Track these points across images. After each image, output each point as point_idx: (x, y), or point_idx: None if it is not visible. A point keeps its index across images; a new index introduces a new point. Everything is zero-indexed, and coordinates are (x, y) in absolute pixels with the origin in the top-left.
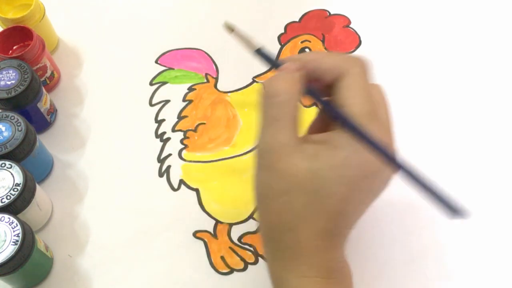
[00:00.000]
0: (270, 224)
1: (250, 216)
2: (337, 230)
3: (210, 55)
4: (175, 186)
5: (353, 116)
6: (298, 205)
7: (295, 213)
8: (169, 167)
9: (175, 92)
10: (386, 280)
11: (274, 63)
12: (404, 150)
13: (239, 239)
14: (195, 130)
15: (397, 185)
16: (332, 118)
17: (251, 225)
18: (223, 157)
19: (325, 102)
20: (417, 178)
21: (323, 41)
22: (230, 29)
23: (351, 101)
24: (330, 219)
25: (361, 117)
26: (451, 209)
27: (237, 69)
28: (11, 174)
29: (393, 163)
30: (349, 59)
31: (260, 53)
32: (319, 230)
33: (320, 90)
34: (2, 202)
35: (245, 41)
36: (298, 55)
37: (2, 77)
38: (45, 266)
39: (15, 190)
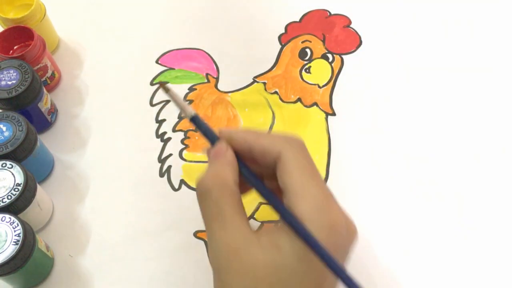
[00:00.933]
0: None
1: (251, 216)
2: None
3: (211, 55)
4: (176, 186)
5: (301, 214)
6: None
7: None
8: (169, 167)
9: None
10: None
11: (208, 136)
12: (403, 150)
13: None
14: (195, 130)
15: None
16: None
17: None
18: None
19: (271, 196)
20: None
21: (323, 41)
22: (166, 89)
23: (297, 197)
24: None
25: (310, 214)
26: None
27: (238, 69)
28: (12, 174)
29: (339, 275)
30: (283, 140)
31: (194, 121)
32: None
33: (265, 172)
34: (3, 202)
35: (180, 106)
36: (232, 132)
37: (3, 77)
38: (46, 266)
39: (16, 190)
